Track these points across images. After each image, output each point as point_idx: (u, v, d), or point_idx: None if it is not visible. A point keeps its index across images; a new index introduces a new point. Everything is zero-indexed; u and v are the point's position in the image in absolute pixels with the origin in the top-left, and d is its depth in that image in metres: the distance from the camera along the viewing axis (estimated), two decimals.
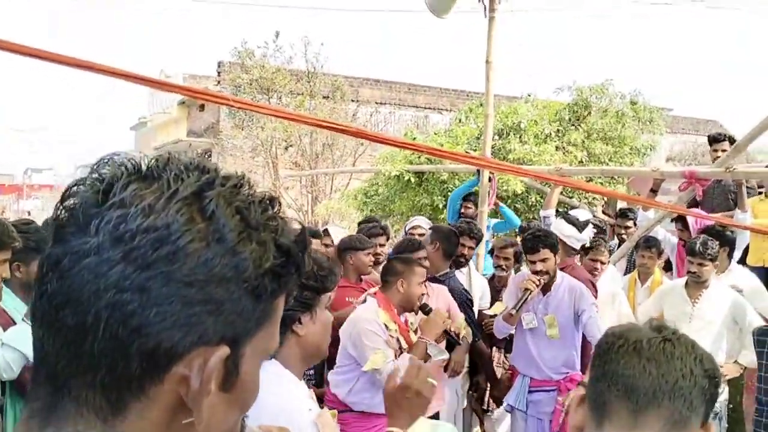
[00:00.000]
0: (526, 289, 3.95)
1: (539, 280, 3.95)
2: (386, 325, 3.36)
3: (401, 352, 3.34)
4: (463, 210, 7.11)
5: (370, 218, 6.39)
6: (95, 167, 0.66)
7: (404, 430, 1.69)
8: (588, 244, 4.90)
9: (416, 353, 3.31)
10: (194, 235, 0.61)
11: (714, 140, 6.12)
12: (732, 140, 5.99)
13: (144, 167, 0.65)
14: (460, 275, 4.93)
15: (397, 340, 3.39)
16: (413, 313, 3.61)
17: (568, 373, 4.03)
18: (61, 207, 0.64)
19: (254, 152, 14.80)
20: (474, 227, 4.99)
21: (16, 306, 2.73)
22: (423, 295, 3.55)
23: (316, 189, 13.99)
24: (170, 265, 0.60)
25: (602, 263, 4.85)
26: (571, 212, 6.77)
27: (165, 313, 0.60)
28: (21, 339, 2.50)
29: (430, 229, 4.99)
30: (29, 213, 40.12)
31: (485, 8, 6.03)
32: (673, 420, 1.12)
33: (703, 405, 1.14)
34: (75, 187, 0.65)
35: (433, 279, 4.21)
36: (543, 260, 3.96)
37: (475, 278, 5.09)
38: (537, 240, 4.02)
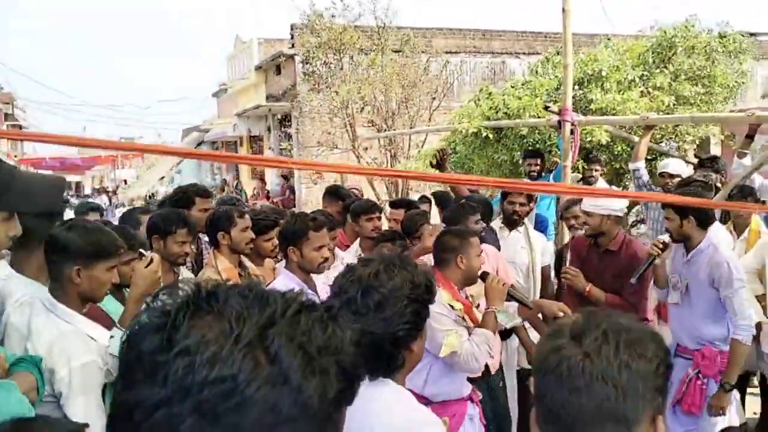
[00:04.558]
0: (650, 254, 4.02)
1: (662, 244, 3.98)
2: (451, 305, 3.25)
3: (469, 331, 3.26)
4: (527, 167, 6.98)
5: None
6: (153, 299, 0.67)
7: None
8: None
9: (488, 326, 3.25)
10: (260, 382, 0.62)
11: None
12: None
13: (203, 299, 0.65)
14: (517, 234, 5.11)
15: (463, 318, 3.30)
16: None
17: (704, 345, 3.90)
18: (126, 344, 0.66)
19: (332, 113, 14.86)
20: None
21: (117, 310, 2.87)
22: (482, 265, 3.47)
23: (394, 147, 13.95)
24: (239, 416, 0.61)
25: None
26: (665, 161, 6.50)
27: None
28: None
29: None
30: (125, 182, 42.04)
31: None
32: None
33: (649, 401, 1.08)
34: (137, 326, 0.66)
35: None
36: (667, 218, 3.95)
37: (533, 236, 5.16)
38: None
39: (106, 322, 2.74)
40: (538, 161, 6.98)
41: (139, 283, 2.67)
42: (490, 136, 8.06)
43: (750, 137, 5.50)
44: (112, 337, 2.60)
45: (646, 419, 1.06)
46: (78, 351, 2.39)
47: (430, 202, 5.96)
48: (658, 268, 4.09)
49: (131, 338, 0.66)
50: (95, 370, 2.42)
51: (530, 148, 7.57)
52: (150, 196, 24.73)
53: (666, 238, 4.08)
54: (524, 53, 19.79)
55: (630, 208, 7.43)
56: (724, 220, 5.45)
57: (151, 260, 2.72)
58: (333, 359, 0.67)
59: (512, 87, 8.62)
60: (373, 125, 14.20)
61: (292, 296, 0.69)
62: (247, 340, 0.63)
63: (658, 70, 7.83)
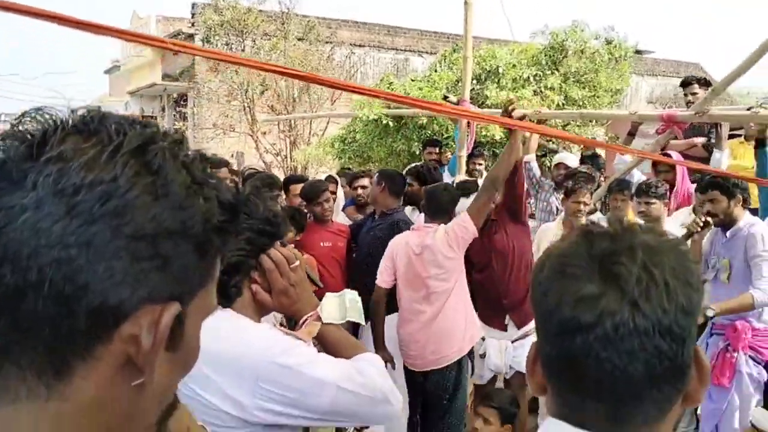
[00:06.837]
0: (688, 229, 4.14)
1: (703, 221, 4.07)
2: None
3: None
4: (427, 155, 7.17)
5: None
6: (18, 121, 0.62)
7: (315, 310, 1.71)
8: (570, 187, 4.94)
9: None
10: (142, 189, 0.59)
11: (685, 84, 6.29)
12: (704, 83, 6.10)
13: (76, 121, 0.62)
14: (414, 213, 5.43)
15: None
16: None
17: (734, 320, 4.03)
18: None
19: (230, 96, 14.55)
20: (415, 168, 5.67)
21: None
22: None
23: (294, 133, 13.82)
24: (118, 219, 0.58)
25: (585, 204, 4.90)
26: (562, 153, 6.81)
27: (113, 269, 0.58)
28: None
29: (377, 172, 5.49)
30: None
31: None
32: (666, 398, 0.85)
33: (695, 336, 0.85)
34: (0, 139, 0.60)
35: (382, 214, 4.87)
36: (711, 200, 4.06)
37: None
38: (709, 183, 4.14)
39: None
40: (437, 150, 7.15)
41: None
42: (390, 124, 8.14)
43: (631, 135, 5.85)
44: None
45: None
46: None
47: (336, 183, 5.99)
48: (695, 244, 4.21)
49: None
50: None
51: (429, 137, 7.73)
52: None
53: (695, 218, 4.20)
54: (427, 52, 20.14)
55: None
56: (603, 211, 5.77)
57: None
58: (214, 192, 0.65)
59: (413, 80, 8.77)
60: (273, 111, 14.02)
61: (174, 131, 0.66)
62: (127, 149, 0.59)
63: (549, 72, 8.19)
